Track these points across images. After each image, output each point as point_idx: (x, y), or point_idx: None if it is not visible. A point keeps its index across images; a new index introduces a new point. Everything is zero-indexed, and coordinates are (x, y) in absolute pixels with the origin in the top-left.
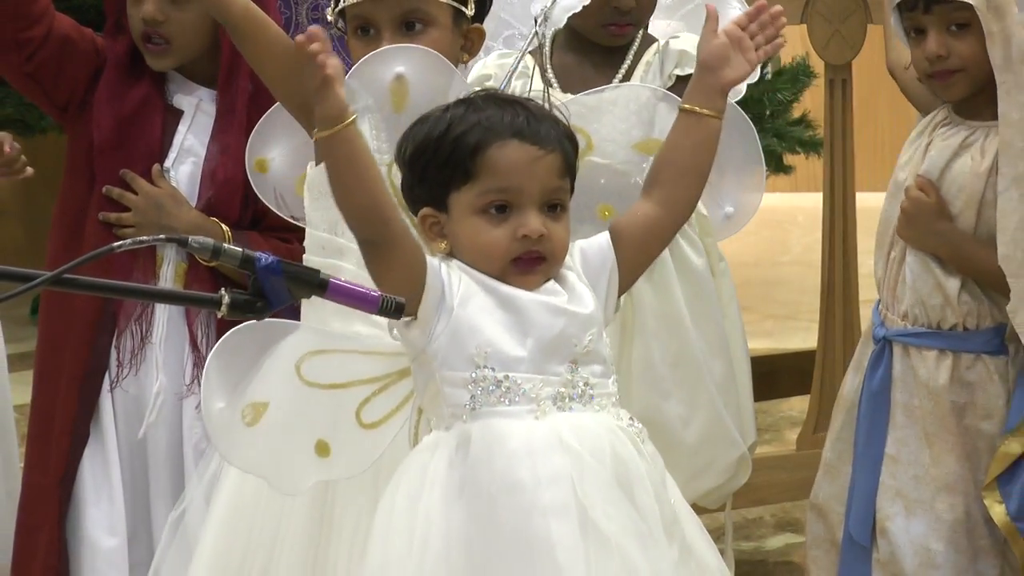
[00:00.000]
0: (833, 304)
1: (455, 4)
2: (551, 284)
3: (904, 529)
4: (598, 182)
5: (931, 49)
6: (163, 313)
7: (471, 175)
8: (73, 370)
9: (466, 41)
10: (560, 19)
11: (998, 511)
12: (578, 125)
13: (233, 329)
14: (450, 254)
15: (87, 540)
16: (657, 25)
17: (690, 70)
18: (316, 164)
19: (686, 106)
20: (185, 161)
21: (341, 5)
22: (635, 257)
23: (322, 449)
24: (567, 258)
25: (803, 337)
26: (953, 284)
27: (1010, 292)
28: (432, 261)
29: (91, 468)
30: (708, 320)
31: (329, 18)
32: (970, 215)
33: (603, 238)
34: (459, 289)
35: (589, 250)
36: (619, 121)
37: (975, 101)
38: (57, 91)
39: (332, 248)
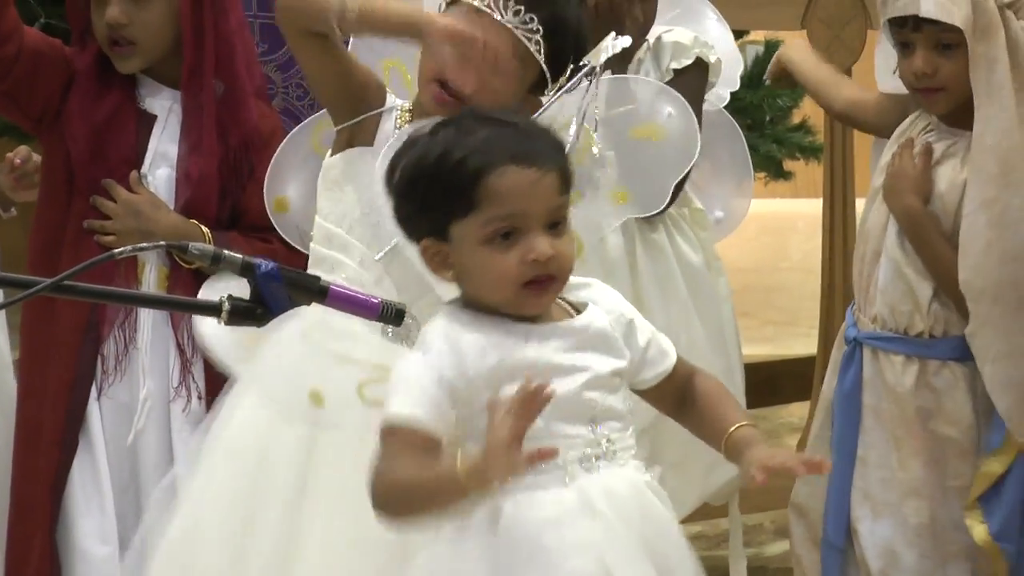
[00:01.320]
0: (833, 310)
1: (543, 66)
2: (570, 344)
3: (871, 531)
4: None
5: (918, 66)
6: (147, 318)
7: (473, 205)
8: (60, 379)
9: (527, 103)
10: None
11: (979, 531)
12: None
13: None
14: (456, 280)
15: (79, 549)
16: (676, 30)
17: (687, 62)
18: (334, 150)
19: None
20: (161, 165)
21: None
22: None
23: (316, 398)
24: (600, 308)
25: (803, 343)
26: (925, 289)
27: (970, 313)
28: (448, 386)
29: (81, 477)
30: (708, 316)
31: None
32: (947, 221)
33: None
34: (470, 392)
35: (611, 305)
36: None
37: (959, 110)
38: (31, 105)
39: (338, 243)
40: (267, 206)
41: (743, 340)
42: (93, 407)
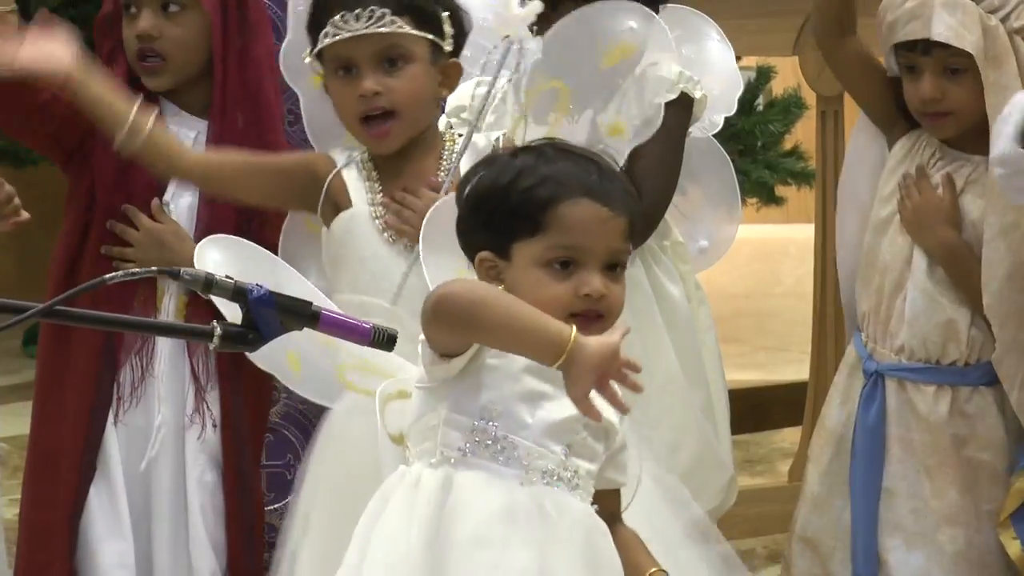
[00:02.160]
0: (825, 336)
1: (433, 39)
2: None
3: (904, 562)
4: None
5: (926, 91)
6: (164, 346)
7: (539, 228)
8: (78, 406)
9: (444, 77)
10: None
11: (1014, 547)
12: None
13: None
14: None
15: (99, 575)
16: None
17: (671, 96)
18: (327, 224)
19: None
20: (184, 194)
21: (319, 47)
22: None
23: (293, 362)
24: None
25: (795, 369)
26: (963, 317)
27: (995, 340)
28: None
29: (99, 503)
30: (686, 349)
31: (307, 60)
32: (981, 248)
33: None
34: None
35: None
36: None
37: (966, 133)
38: (70, 141)
39: (355, 308)
40: None
41: (734, 366)
42: (111, 433)
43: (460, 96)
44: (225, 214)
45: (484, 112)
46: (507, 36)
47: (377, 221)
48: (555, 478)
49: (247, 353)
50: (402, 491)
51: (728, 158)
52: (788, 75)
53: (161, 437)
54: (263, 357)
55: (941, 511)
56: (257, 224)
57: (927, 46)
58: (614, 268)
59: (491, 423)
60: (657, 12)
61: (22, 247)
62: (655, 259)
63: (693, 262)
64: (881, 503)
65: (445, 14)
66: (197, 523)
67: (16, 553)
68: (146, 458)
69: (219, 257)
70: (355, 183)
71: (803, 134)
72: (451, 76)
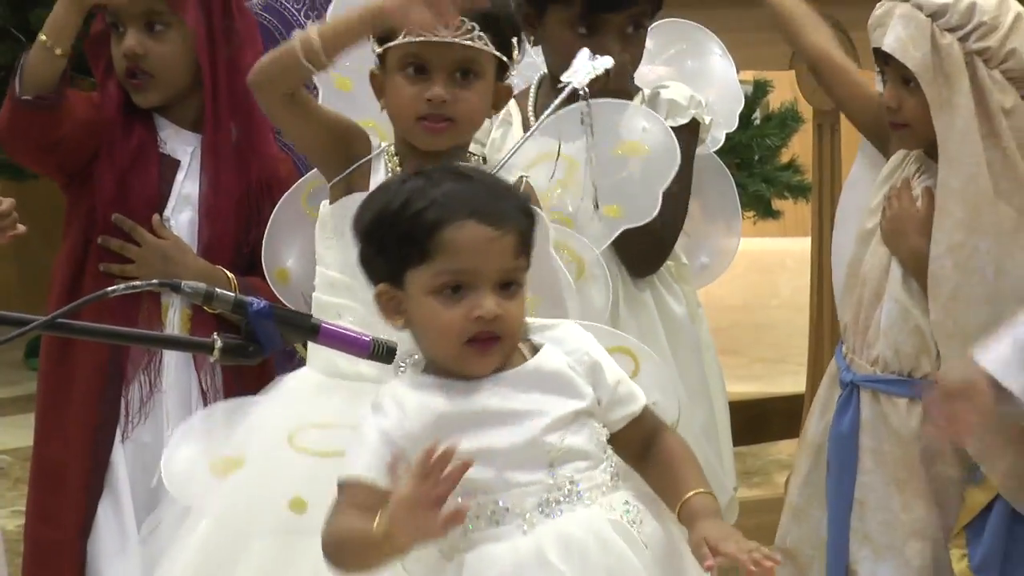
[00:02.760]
0: (822, 347)
1: (504, 59)
2: (516, 389)
3: (872, 573)
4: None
5: (886, 99)
6: (171, 361)
7: (427, 255)
8: (83, 423)
9: (496, 97)
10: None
11: (961, 565)
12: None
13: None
14: (405, 325)
15: None
16: (639, 70)
17: (682, 120)
18: (332, 201)
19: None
20: (184, 209)
21: (398, 41)
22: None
23: (297, 505)
24: (560, 351)
25: (793, 380)
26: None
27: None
28: (390, 441)
29: (106, 521)
30: (689, 368)
31: (376, 50)
32: None
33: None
34: (414, 447)
35: (573, 344)
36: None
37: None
38: (76, 166)
39: (341, 287)
40: (268, 279)
41: (732, 378)
42: (118, 450)
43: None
44: (224, 229)
45: (516, 149)
46: (581, 92)
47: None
48: (552, 504)
49: None
50: None
51: (729, 173)
52: (785, 89)
53: None
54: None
55: (909, 524)
56: (253, 238)
57: (886, 55)
58: (508, 286)
59: (471, 500)
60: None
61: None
62: (660, 279)
63: (695, 278)
64: (853, 513)
65: (515, 40)
66: None
67: (22, 568)
68: (156, 476)
69: (190, 452)
70: (378, 173)
71: (800, 147)
72: (501, 97)
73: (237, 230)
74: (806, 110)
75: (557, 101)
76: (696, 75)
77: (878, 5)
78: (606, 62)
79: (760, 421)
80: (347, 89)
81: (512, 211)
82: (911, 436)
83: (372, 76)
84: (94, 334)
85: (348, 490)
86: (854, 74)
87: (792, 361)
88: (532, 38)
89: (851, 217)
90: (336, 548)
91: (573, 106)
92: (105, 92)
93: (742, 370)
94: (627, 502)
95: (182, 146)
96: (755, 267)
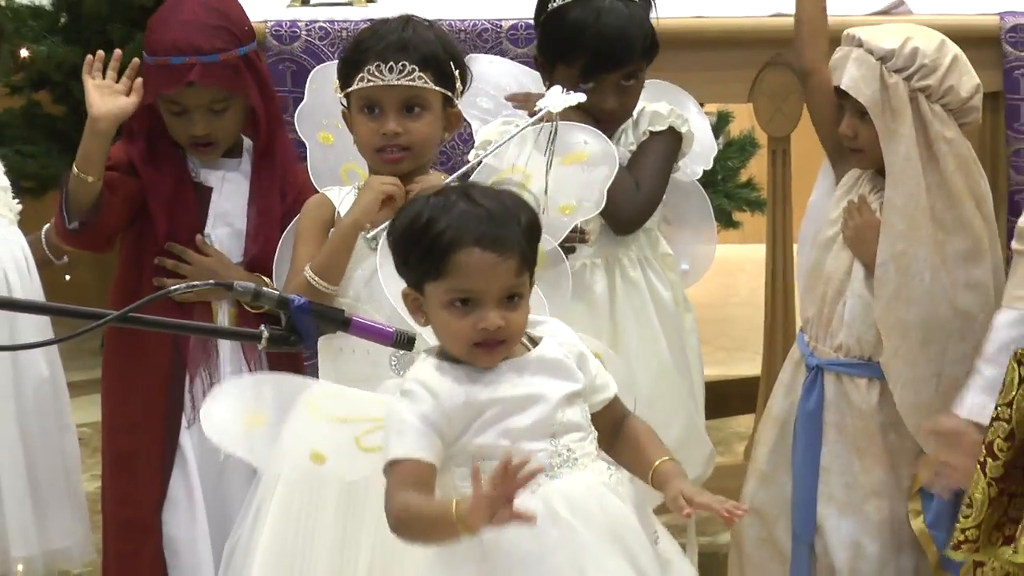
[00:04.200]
0: (775, 338)
1: (447, 92)
2: (525, 376)
3: (837, 528)
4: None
5: (844, 128)
6: (225, 359)
7: (441, 273)
8: (152, 415)
9: (447, 122)
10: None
11: (916, 522)
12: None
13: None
14: (426, 323)
15: (181, 556)
16: (655, 104)
17: (661, 128)
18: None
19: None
20: (220, 225)
21: (354, 87)
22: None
23: (317, 457)
24: (554, 340)
25: (750, 365)
26: None
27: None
28: (431, 422)
29: (178, 496)
30: (674, 345)
31: (337, 94)
32: None
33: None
34: (428, 411)
35: (566, 339)
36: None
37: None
38: (130, 222)
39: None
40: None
41: None
42: (185, 435)
43: (488, 132)
44: (266, 245)
45: (481, 161)
46: (549, 113)
47: (367, 240)
48: (556, 468)
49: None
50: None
51: (707, 197)
52: (744, 119)
53: None
54: (290, 468)
55: (869, 485)
56: None
57: (842, 92)
58: (512, 298)
59: (486, 462)
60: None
61: (100, 263)
62: (650, 266)
63: (680, 280)
64: (820, 479)
65: (457, 72)
66: None
67: (103, 543)
68: (223, 453)
69: (224, 407)
70: (346, 206)
71: (756, 169)
72: (453, 122)
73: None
74: (761, 137)
75: (532, 121)
76: None
77: (837, 49)
78: (579, 96)
79: (722, 400)
80: (329, 142)
81: (514, 236)
82: (870, 410)
83: (344, 115)
84: (162, 326)
85: (401, 469)
86: (831, 95)
87: (749, 349)
88: (547, 83)
89: (812, 235)
90: (409, 521)
91: (540, 125)
92: (135, 139)
93: (707, 357)
94: (609, 467)
95: (213, 172)
96: (718, 270)
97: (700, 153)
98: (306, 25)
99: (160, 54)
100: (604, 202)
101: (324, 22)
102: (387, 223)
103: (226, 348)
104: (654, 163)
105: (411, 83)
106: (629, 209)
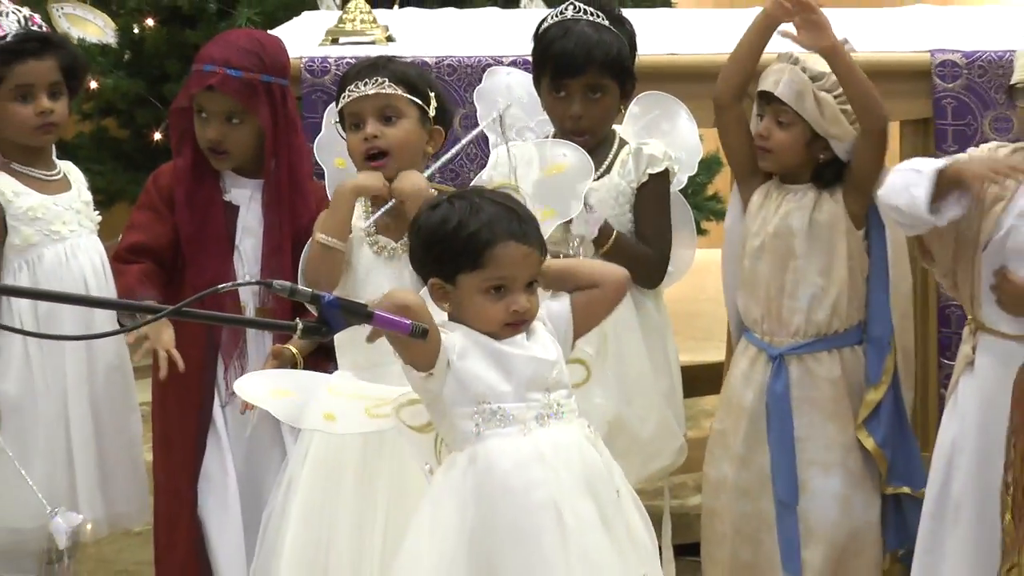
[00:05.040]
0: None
1: (418, 102)
2: (528, 339)
3: (824, 486)
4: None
5: (760, 130)
6: (252, 351)
7: (479, 265)
8: (189, 400)
9: (430, 138)
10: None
11: (870, 442)
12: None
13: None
14: (451, 315)
15: (215, 515)
16: (626, 129)
17: (658, 170)
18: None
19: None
20: (247, 238)
21: (340, 106)
22: (584, 320)
23: (329, 417)
24: (540, 316)
25: (715, 353)
26: (839, 293)
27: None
28: (445, 338)
29: (212, 464)
30: (655, 347)
31: (334, 120)
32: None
33: (565, 305)
34: (458, 349)
35: (556, 313)
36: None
37: (790, 174)
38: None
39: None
40: None
41: None
42: (218, 413)
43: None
44: (284, 258)
45: (460, 151)
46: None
47: (368, 238)
48: (546, 418)
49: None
50: (440, 474)
51: (688, 207)
52: (711, 142)
53: (257, 412)
54: (304, 423)
55: (846, 443)
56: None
57: (770, 98)
58: (532, 285)
59: (484, 404)
60: (630, 95)
61: None
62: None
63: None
64: (797, 447)
65: (433, 93)
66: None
67: (154, 506)
68: (249, 427)
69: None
70: (358, 209)
71: (721, 184)
72: (436, 139)
73: (292, 266)
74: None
75: (487, 122)
76: (668, 133)
77: (774, 63)
78: (513, 110)
79: (692, 382)
80: (343, 167)
81: (536, 231)
82: (835, 378)
83: (348, 147)
84: (212, 319)
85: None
86: (745, 126)
87: (715, 339)
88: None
89: (733, 256)
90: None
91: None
92: (183, 153)
93: (679, 345)
94: (588, 426)
95: (241, 191)
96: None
97: (685, 161)
98: (335, 61)
99: (199, 62)
100: (580, 208)
101: (350, 58)
102: (382, 210)
103: (252, 342)
104: (660, 209)
105: (382, 91)
106: (653, 272)
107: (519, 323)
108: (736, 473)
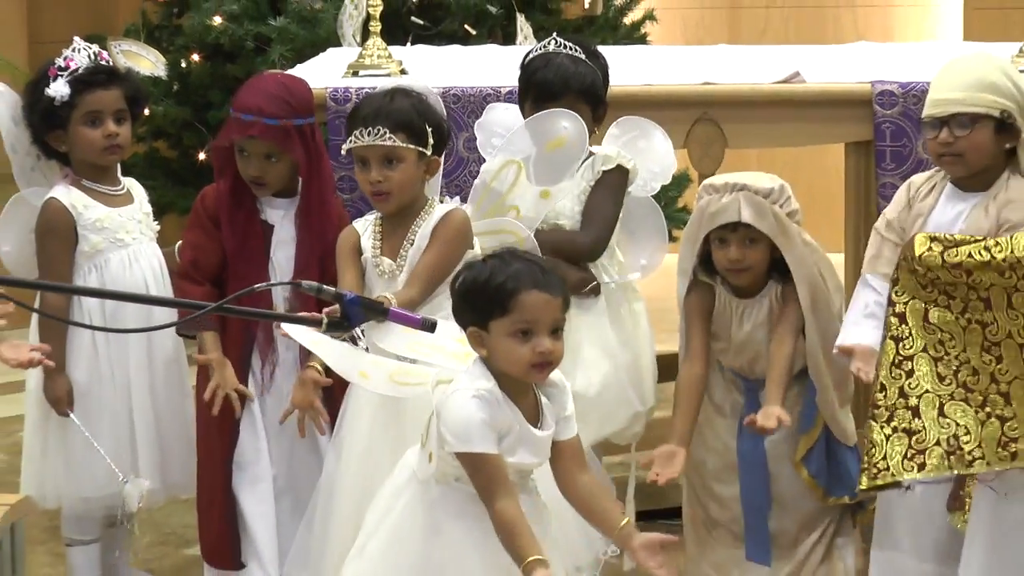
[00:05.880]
0: None
1: (418, 148)
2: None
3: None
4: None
5: (732, 254)
6: (281, 347)
7: (507, 311)
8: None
9: (427, 168)
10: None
11: (804, 475)
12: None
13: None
14: (486, 360)
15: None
16: (606, 148)
17: (611, 166)
18: None
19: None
20: (281, 250)
21: (348, 147)
22: None
23: (363, 375)
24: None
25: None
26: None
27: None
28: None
29: (247, 443)
30: (620, 323)
31: (343, 152)
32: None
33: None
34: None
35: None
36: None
37: (751, 285)
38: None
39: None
40: None
41: None
42: (257, 402)
43: (490, 163)
44: (310, 274)
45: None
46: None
47: (373, 260)
48: (530, 479)
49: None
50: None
51: (660, 211)
52: (680, 160)
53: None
54: (343, 372)
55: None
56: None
57: (736, 225)
58: (557, 331)
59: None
60: (602, 120)
61: None
62: (604, 269)
63: (640, 271)
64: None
65: (430, 129)
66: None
67: (198, 480)
68: (283, 413)
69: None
70: (367, 238)
71: (689, 197)
72: (433, 168)
73: (319, 274)
74: (693, 174)
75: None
76: (645, 150)
77: (724, 197)
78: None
79: (667, 369)
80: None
81: (559, 283)
82: (789, 408)
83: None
84: (250, 315)
85: (486, 462)
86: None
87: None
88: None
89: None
90: (506, 533)
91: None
92: (224, 179)
93: (655, 337)
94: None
95: (275, 211)
96: (663, 272)
97: (659, 172)
98: (356, 91)
99: (238, 110)
100: (570, 178)
101: (369, 88)
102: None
103: (281, 344)
104: (604, 196)
105: (383, 143)
106: (581, 250)
107: (545, 364)
108: (719, 491)
